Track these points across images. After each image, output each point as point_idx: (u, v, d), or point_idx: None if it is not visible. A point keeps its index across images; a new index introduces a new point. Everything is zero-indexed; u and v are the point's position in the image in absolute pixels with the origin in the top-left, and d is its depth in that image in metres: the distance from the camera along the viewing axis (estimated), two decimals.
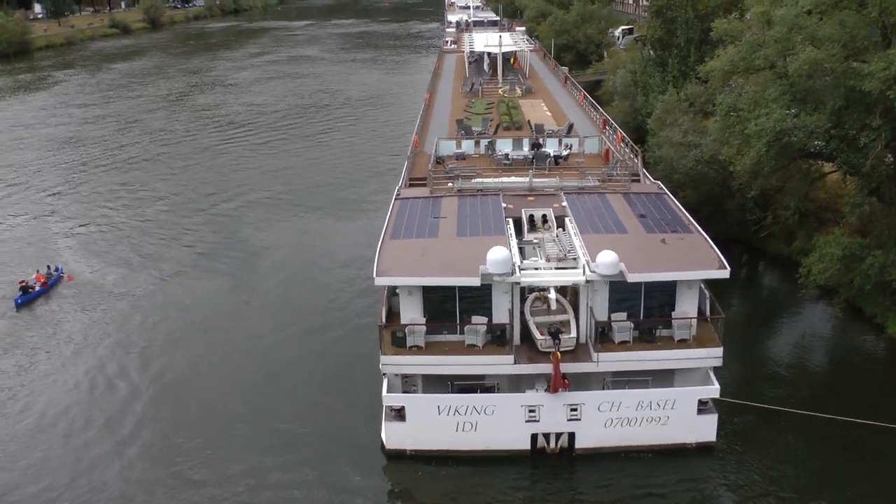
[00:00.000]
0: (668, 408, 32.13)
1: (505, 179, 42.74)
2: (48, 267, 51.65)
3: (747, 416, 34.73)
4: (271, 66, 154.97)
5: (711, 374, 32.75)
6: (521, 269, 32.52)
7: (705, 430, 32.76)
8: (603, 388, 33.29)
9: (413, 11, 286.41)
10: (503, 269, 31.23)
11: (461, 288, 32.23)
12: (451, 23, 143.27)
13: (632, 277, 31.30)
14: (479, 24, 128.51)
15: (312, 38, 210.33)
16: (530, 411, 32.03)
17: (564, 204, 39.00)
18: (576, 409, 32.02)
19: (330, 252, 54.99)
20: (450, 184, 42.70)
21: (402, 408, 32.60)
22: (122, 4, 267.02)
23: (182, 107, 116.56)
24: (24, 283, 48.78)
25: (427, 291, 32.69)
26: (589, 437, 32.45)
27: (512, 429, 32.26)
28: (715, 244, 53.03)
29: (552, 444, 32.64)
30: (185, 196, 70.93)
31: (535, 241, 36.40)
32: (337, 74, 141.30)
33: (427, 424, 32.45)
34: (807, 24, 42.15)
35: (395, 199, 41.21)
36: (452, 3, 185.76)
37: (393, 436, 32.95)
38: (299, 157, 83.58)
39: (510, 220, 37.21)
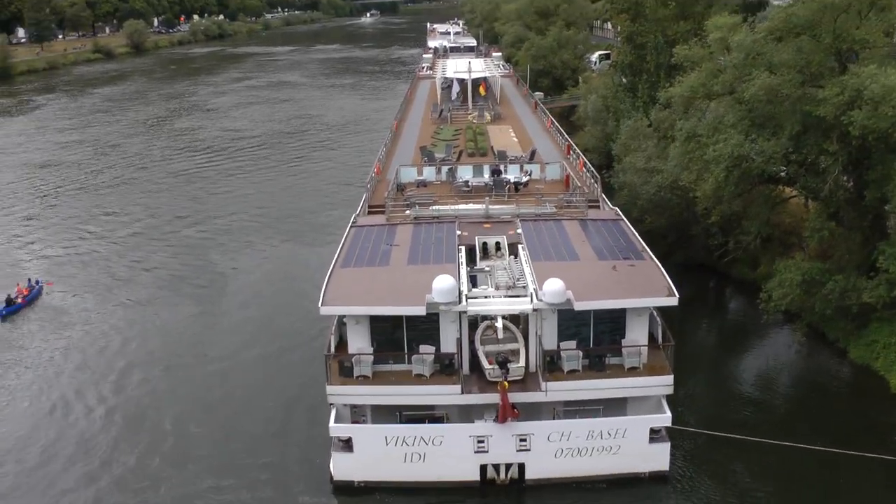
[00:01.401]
0: (619, 437, 31.73)
1: (461, 207, 42.49)
2: (29, 280, 53.45)
3: (703, 444, 34.36)
4: (251, 92, 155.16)
5: (664, 403, 32.40)
6: (468, 298, 32.18)
7: (658, 458, 32.37)
8: (553, 418, 32.89)
9: (396, 37, 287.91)
10: (449, 297, 30.92)
11: (408, 317, 31.89)
12: (430, 48, 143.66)
13: (579, 305, 31.01)
14: (456, 50, 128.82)
15: (294, 63, 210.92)
16: (479, 442, 31.61)
17: (520, 231, 38.76)
18: (525, 440, 31.60)
19: (293, 278, 54.85)
20: (407, 211, 42.45)
21: (350, 438, 32.18)
22: (107, 29, 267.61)
23: (160, 131, 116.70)
24: (7, 296, 50.76)
25: (374, 321, 32.37)
26: (539, 467, 32.01)
27: (461, 459, 31.80)
28: (682, 270, 53.18)
29: (502, 475, 32.17)
30: (156, 220, 71.35)
31: (486, 268, 36.16)
32: (316, 100, 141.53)
33: (375, 455, 32.00)
34: (764, 50, 42.25)
35: (351, 226, 40.94)
36: (434, 30, 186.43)
37: (341, 467, 32.48)
38: (272, 183, 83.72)
39: (463, 248, 36.95)
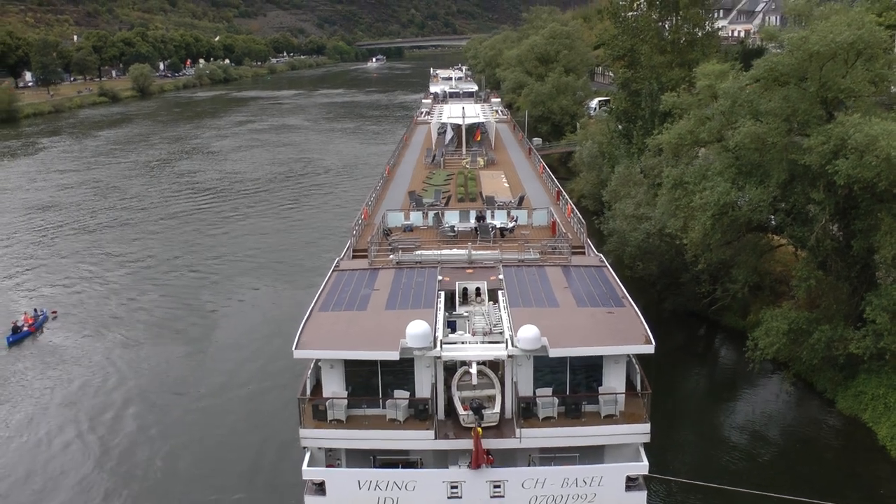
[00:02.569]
0: (595, 484, 31.11)
1: (445, 252, 42.22)
2: (35, 310, 56.53)
3: (681, 493, 33.94)
4: (253, 135, 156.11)
5: (641, 451, 31.84)
6: (443, 343, 31.82)
7: None
8: (529, 465, 32.36)
9: (400, 82, 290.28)
10: (423, 343, 30.54)
11: (382, 362, 31.50)
12: (431, 94, 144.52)
13: (553, 352, 30.59)
14: (455, 96, 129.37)
15: (297, 107, 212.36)
16: (452, 487, 31.02)
17: (501, 276, 38.47)
18: (499, 486, 31.01)
19: (279, 320, 54.60)
20: (391, 256, 42.23)
21: (323, 482, 31.65)
22: (113, 73, 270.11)
23: (161, 173, 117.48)
24: (14, 324, 53.32)
25: (349, 365, 31.98)
26: None
27: None
28: (671, 317, 53.00)
29: None
30: (152, 260, 72.33)
31: (465, 314, 35.82)
32: (316, 143, 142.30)
33: (348, 499, 31.38)
34: (750, 98, 42.31)
35: (333, 270, 40.69)
36: (436, 75, 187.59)
37: None
38: (267, 226, 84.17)
39: (443, 294, 36.62)
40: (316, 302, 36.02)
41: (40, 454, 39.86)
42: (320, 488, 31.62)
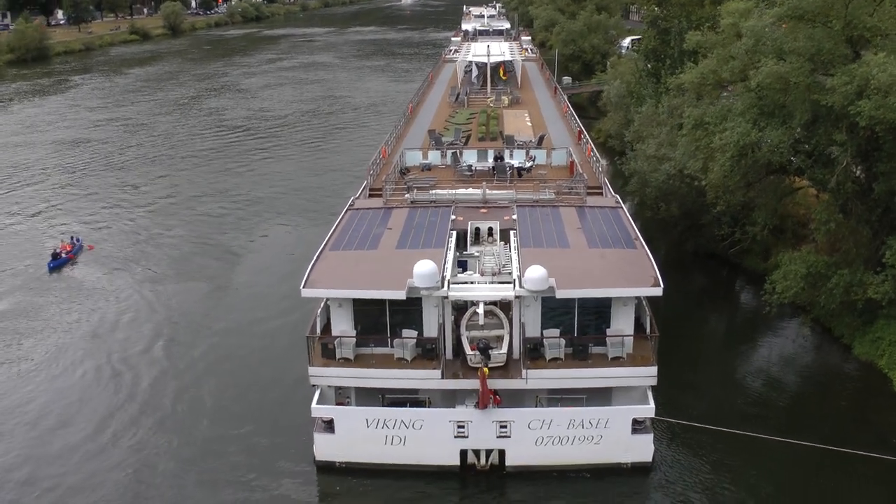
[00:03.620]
0: (600, 427, 31.28)
1: (459, 191, 42.08)
2: (71, 238, 59.30)
3: (688, 436, 33.82)
4: (282, 72, 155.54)
5: (649, 394, 31.88)
6: (451, 283, 31.80)
7: (641, 450, 31.88)
8: (537, 406, 32.52)
9: (433, 19, 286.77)
10: (429, 282, 30.57)
11: (391, 301, 31.62)
12: (462, 31, 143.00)
13: (560, 293, 30.53)
14: (485, 34, 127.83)
15: (329, 44, 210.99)
16: (459, 427, 31.32)
17: (515, 217, 38.29)
18: (505, 426, 31.26)
19: (301, 259, 54.61)
20: (406, 195, 42.12)
21: (332, 420, 32.05)
22: (145, 11, 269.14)
23: (189, 111, 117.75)
24: (54, 251, 56.35)
25: (357, 304, 32.16)
26: (519, 454, 31.65)
27: (440, 444, 31.55)
28: (692, 259, 52.55)
29: (482, 461, 31.89)
30: (177, 197, 72.96)
31: (476, 254, 35.76)
32: (345, 81, 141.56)
33: (356, 437, 31.87)
34: (774, 37, 41.27)
35: (347, 209, 40.71)
36: (468, 12, 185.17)
37: (322, 448, 32.40)
38: (292, 164, 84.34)
39: (454, 233, 36.53)
40: (327, 241, 36.16)
41: (67, 378, 41.14)
42: (329, 426, 32.11)
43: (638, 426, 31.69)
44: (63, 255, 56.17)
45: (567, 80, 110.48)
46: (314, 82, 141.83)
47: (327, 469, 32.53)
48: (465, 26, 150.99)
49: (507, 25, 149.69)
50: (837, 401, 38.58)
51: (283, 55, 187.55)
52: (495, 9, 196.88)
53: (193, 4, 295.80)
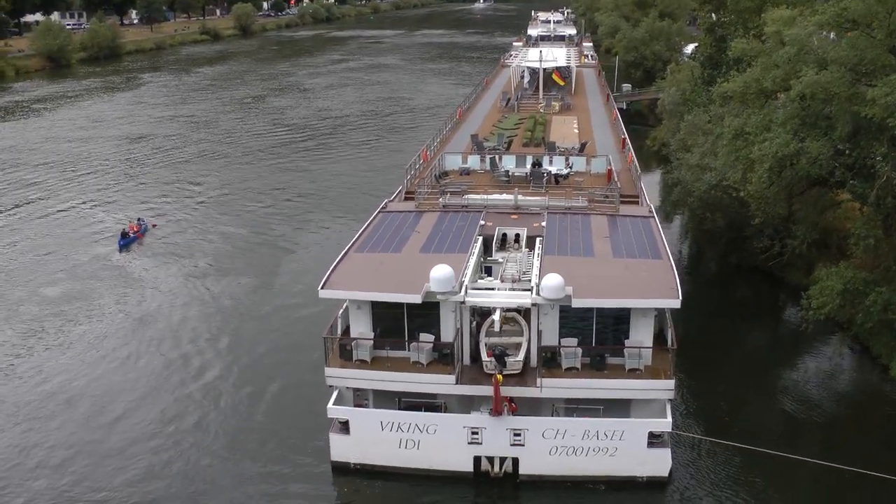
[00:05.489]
0: (616, 438, 30.94)
1: (492, 196, 41.95)
2: (138, 219, 63.78)
3: (710, 452, 33.34)
4: (348, 73, 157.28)
5: (667, 407, 31.46)
6: (470, 289, 31.78)
7: (657, 464, 31.47)
8: (553, 415, 32.31)
9: (503, 24, 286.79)
10: (445, 287, 30.55)
11: (409, 305, 31.68)
12: (525, 37, 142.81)
13: (577, 302, 30.29)
14: (546, 39, 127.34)
15: (395, 46, 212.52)
16: (473, 433, 31.30)
17: (544, 223, 38.12)
18: (519, 434, 31.14)
19: None
20: (440, 199, 42.21)
21: (347, 421, 32.30)
22: (217, 12, 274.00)
23: (252, 109, 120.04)
24: (123, 231, 60.93)
25: (376, 307, 32.33)
26: (533, 463, 31.49)
27: (454, 449, 31.56)
28: (735, 272, 51.66)
29: (496, 468, 31.78)
30: (231, 191, 75.07)
31: (500, 260, 35.66)
32: (407, 83, 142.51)
33: (371, 439, 32.05)
34: (817, 46, 40.45)
35: (379, 211, 40.93)
36: (536, 18, 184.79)
37: (338, 448, 32.65)
38: (347, 163, 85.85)
39: (480, 239, 36.49)
40: (354, 243, 36.41)
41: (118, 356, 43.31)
42: (345, 427, 32.33)
43: (654, 440, 31.27)
44: (131, 235, 60.65)
45: (627, 87, 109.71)
46: (377, 84, 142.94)
47: (342, 469, 32.75)
48: (530, 31, 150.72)
49: (572, 31, 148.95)
50: (870, 423, 37.43)
51: (349, 56, 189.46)
52: (563, 14, 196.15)
53: (265, 6, 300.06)
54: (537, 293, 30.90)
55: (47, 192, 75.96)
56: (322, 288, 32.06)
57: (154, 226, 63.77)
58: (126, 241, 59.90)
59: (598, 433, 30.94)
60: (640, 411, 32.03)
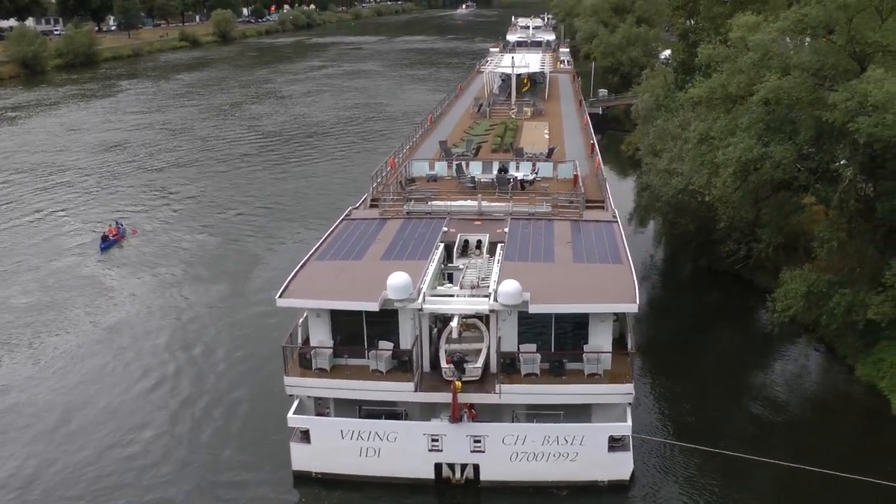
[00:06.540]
0: (576, 444, 30.94)
1: (456, 203, 41.94)
2: (116, 223, 64.45)
3: (672, 455, 33.42)
4: (326, 80, 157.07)
5: (627, 411, 31.49)
6: (428, 296, 31.70)
7: (618, 468, 31.49)
8: (513, 421, 32.27)
9: (483, 30, 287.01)
10: (402, 294, 30.47)
11: (368, 313, 31.57)
12: (504, 42, 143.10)
13: (534, 308, 30.25)
14: (523, 45, 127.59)
15: (375, 52, 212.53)
16: (433, 440, 31.22)
17: (507, 229, 38.11)
18: (479, 441, 31.08)
19: None
20: (404, 206, 42.13)
21: (308, 430, 32.16)
22: (197, 18, 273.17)
23: (229, 116, 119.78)
24: (103, 234, 62.15)
25: (335, 315, 32.21)
26: (494, 469, 31.44)
27: (415, 457, 31.47)
28: (705, 275, 51.83)
29: (457, 475, 31.72)
30: (207, 199, 74.88)
31: (460, 266, 35.61)
32: (385, 90, 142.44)
33: (331, 448, 31.91)
34: (780, 51, 40.66)
35: (343, 219, 40.83)
36: (515, 24, 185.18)
37: (299, 457, 32.50)
38: (322, 168, 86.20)
39: (441, 245, 36.43)
40: (315, 251, 36.28)
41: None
42: (305, 436, 32.19)
43: (615, 444, 31.30)
44: (111, 238, 61.80)
45: (603, 92, 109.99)
46: (354, 90, 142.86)
47: (304, 479, 32.59)
48: (509, 37, 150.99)
49: (551, 37, 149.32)
50: (835, 424, 37.67)
51: (328, 62, 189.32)
52: (543, 20, 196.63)
53: (245, 12, 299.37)
54: (495, 299, 30.86)
55: (20, 200, 75.60)
56: (280, 297, 31.91)
57: (134, 231, 64.47)
58: (107, 244, 60.93)
59: (558, 438, 30.93)
60: (601, 416, 32.04)
